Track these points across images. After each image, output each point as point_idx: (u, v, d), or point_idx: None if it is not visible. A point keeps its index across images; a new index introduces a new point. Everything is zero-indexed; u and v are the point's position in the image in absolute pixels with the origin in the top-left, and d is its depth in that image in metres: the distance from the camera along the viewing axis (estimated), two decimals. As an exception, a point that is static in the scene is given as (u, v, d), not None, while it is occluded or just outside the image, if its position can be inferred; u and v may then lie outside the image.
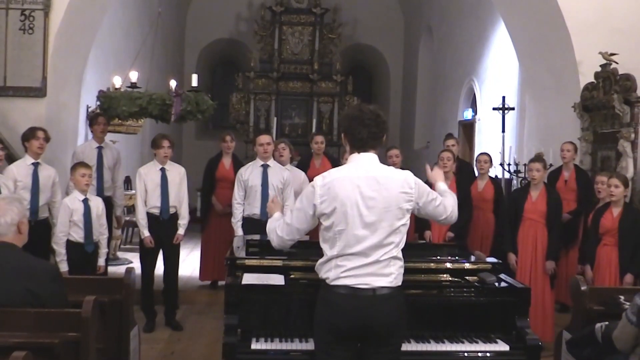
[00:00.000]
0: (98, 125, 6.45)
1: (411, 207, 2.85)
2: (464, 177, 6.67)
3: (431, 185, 3.08)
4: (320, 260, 2.86)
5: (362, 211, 2.74)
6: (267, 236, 3.02)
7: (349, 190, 2.76)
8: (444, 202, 2.97)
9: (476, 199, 6.35)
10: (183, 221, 5.85)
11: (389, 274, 2.78)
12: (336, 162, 6.81)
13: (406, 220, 2.84)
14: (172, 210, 5.77)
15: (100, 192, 6.23)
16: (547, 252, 5.50)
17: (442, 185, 3.17)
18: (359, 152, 2.87)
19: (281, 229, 2.93)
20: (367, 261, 2.74)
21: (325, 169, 2.86)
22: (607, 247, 5.24)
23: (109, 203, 6.41)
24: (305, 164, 7.18)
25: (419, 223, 6.04)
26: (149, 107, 6.66)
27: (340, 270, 2.76)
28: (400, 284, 2.83)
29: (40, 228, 5.24)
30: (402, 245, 2.84)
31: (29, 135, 5.47)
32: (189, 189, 6.05)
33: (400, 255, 2.84)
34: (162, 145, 5.75)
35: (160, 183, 5.72)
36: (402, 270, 2.85)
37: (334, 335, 2.77)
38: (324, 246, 2.84)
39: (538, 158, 5.84)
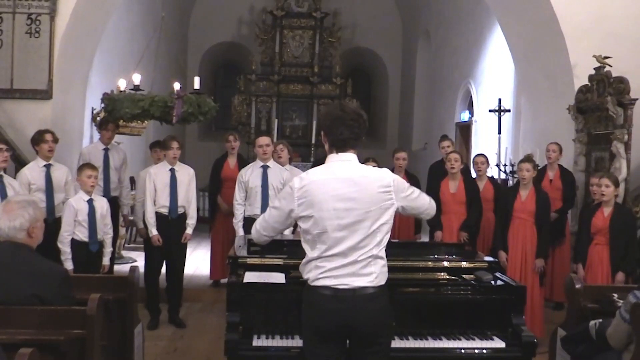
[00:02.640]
0: (107, 131, 6.47)
1: (391, 205, 2.76)
2: (469, 177, 6.67)
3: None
4: (302, 261, 2.81)
5: (340, 213, 2.68)
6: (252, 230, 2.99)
7: (326, 193, 2.70)
8: (422, 195, 2.94)
9: None
10: (191, 221, 5.86)
11: (369, 274, 2.71)
12: None
13: (387, 218, 2.75)
14: (180, 210, 5.79)
15: (107, 193, 6.24)
16: (536, 251, 5.50)
17: None
18: (337, 152, 2.80)
19: (260, 223, 2.92)
20: (346, 261, 2.68)
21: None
22: (598, 246, 5.25)
23: (115, 203, 6.42)
24: (319, 165, 7.16)
25: (430, 223, 6.02)
26: (151, 109, 6.67)
27: (319, 271, 2.71)
28: (383, 283, 2.75)
29: (56, 227, 5.24)
30: (384, 244, 2.76)
31: (38, 139, 5.47)
32: (192, 189, 6.05)
33: (382, 254, 2.76)
34: (171, 147, 5.77)
35: (169, 183, 5.74)
36: (384, 270, 2.77)
37: (318, 335, 2.73)
38: (305, 247, 2.79)
39: (528, 159, 5.86)
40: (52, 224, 5.16)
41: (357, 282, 2.69)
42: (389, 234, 2.80)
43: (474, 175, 6.79)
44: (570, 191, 6.44)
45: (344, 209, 2.69)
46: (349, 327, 2.70)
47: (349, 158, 2.79)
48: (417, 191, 2.92)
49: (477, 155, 6.70)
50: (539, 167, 6.75)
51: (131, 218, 7.55)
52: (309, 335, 2.79)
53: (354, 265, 2.69)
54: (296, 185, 2.76)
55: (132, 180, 8.76)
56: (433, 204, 3.01)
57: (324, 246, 2.71)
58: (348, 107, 2.81)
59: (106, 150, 6.43)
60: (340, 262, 2.69)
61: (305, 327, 2.81)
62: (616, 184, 5.26)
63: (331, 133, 2.79)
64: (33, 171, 5.44)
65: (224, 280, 6.63)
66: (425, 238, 6.85)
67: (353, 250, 2.69)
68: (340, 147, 2.79)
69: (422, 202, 2.94)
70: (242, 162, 6.97)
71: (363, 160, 6.44)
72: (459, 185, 6.02)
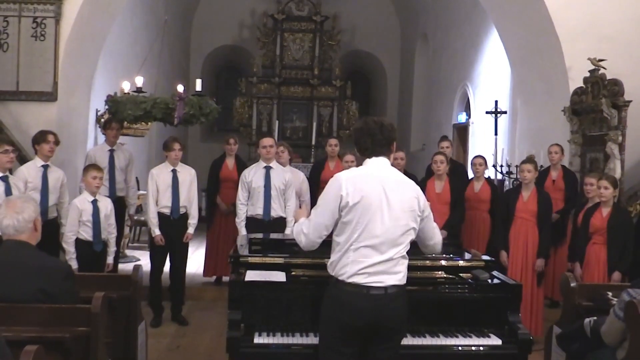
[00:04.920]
0: (112, 130, 6.47)
1: (420, 214, 2.89)
2: (457, 177, 6.68)
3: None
4: (335, 257, 2.83)
5: (384, 207, 2.78)
6: (296, 239, 2.96)
7: (374, 186, 2.80)
8: (437, 230, 3.04)
9: (473, 200, 6.35)
10: (193, 220, 5.85)
11: (398, 272, 2.81)
12: None
13: (416, 225, 2.88)
14: (182, 210, 5.78)
15: (112, 193, 6.24)
16: (537, 251, 5.50)
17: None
18: (370, 157, 2.91)
19: (307, 227, 2.89)
20: (382, 258, 2.76)
21: (339, 171, 2.91)
22: (596, 245, 5.25)
23: (121, 203, 6.42)
24: (320, 165, 7.19)
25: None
26: (153, 111, 6.67)
27: (357, 267, 2.76)
28: (405, 282, 2.86)
29: (49, 227, 5.22)
30: (408, 246, 2.88)
31: (40, 139, 5.46)
32: (194, 189, 6.04)
33: (406, 255, 2.88)
34: (173, 148, 5.77)
35: (171, 184, 5.73)
36: (406, 270, 2.88)
37: (344, 332, 2.77)
38: (340, 239, 2.81)
39: (529, 160, 5.85)
40: (45, 225, 5.14)
41: (388, 281, 2.78)
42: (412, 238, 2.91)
43: (471, 175, 6.80)
44: (572, 192, 6.43)
45: (388, 205, 2.79)
46: (376, 325, 2.77)
47: (382, 161, 2.91)
48: (435, 225, 3.03)
49: (476, 156, 6.69)
50: (541, 168, 6.75)
51: (135, 218, 7.56)
52: (332, 332, 2.81)
53: (388, 262, 2.78)
54: (344, 177, 2.85)
55: (136, 181, 8.78)
56: (440, 244, 3.09)
57: (365, 234, 2.77)
58: (370, 119, 2.98)
59: (112, 151, 6.44)
60: (376, 259, 2.77)
61: (328, 323, 2.83)
62: (615, 185, 5.26)
63: (358, 143, 2.95)
64: (31, 170, 5.43)
65: (226, 279, 6.64)
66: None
67: (389, 247, 2.78)
68: (369, 155, 2.92)
69: (438, 239, 3.04)
70: (241, 163, 6.98)
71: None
72: (444, 185, 6.06)
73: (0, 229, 2.97)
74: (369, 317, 2.75)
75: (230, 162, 6.99)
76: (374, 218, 2.76)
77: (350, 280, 2.76)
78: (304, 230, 2.90)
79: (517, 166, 7.52)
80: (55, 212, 5.53)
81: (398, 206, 2.80)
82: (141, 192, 8.14)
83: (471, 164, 6.69)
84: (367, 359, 2.86)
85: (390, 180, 2.84)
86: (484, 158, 6.63)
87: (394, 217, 2.78)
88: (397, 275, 2.81)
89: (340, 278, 2.79)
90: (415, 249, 3.24)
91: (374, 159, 2.90)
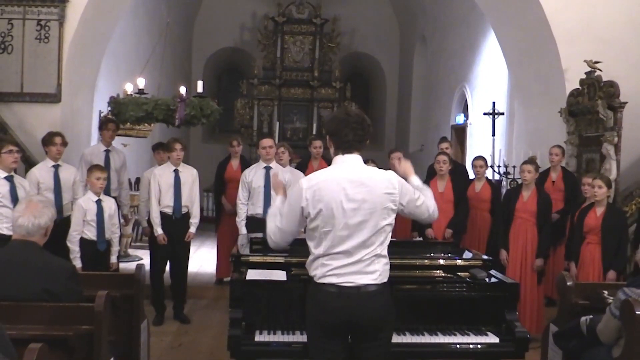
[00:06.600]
0: (107, 130, 6.44)
1: (396, 208, 2.78)
2: (457, 177, 6.68)
3: (405, 179, 2.96)
4: (309, 259, 2.81)
5: (347, 212, 2.68)
6: (268, 236, 2.92)
7: (334, 192, 2.70)
8: (426, 202, 2.90)
9: (474, 200, 6.35)
10: (194, 220, 5.86)
11: (373, 272, 2.72)
12: None
13: (391, 220, 2.78)
14: (184, 210, 5.79)
15: (107, 193, 6.21)
16: (537, 250, 5.50)
17: (415, 180, 3.04)
18: (343, 154, 2.79)
19: (274, 233, 2.85)
20: (351, 260, 2.69)
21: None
22: (590, 245, 5.25)
23: (116, 204, 6.41)
24: (303, 165, 7.21)
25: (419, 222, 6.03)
26: (154, 112, 6.68)
27: (326, 269, 2.71)
28: (385, 280, 2.76)
29: (64, 226, 5.23)
30: (386, 243, 2.78)
31: (48, 141, 5.48)
32: (196, 189, 6.04)
33: (384, 252, 2.77)
34: (174, 149, 5.78)
35: (173, 184, 5.74)
36: (387, 267, 2.78)
37: (323, 330, 2.74)
38: (310, 244, 2.79)
39: (530, 160, 5.86)
40: (60, 223, 5.15)
41: (361, 280, 2.70)
42: (390, 234, 2.81)
43: (472, 176, 6.79)
44: (572, 192, 6.42)
45: (352, 209, 2.69)
46: (352, 323, 2.71)
47: (355, 159, 2.79)
48: (420, 198, 2.89)
49: (477, 158, 6.67)
50: (540, 169, 6.75)
51: (137, 217, 7.56)
52: (314, 331, 2.80)
53: (359, 263, 2.70)
54: (304, 185, 2.75)
55: (138, 181, 8.77)
56: (436, 214, 2.98)
57: (329, 243, 2.70)
58: (352, 111, 2.84)
59: (107, 151, 6.41)
60: (345, 261, 2.70)
61: (310, 322, 2.82)
62: (608, 185, 5.26)
63: (336, 136, 2.79)
64: (42, 171, 5.45)
65: (227, 278, 6.63)
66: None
67: (358, 249, 2.70)
68: (346, 149, 2.79)
69: (424, 210, 2.90)
70: (245, 164, 6.99)
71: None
72: (446, 185, 6.07)
73: (13, 226, 2.99)
74: (344, 316, 2.69)
75: (234, 163, 7.01)
76: (337, 225, 2.68)
77: (321, 280, 2.73)
78: (272, 237, 2.85)
79: (514, 167, 7.53)
80: (70, 210, 5.53)
81: (366, 207, 2.69)
82: (133, 192, 8.12)
83: (472, 165, 6.69)
84: (356, 358, 2.81)
85: (358, 182, 2.71)
86: (484, 159, 6.63)
87: (361, 221, 2.68)
88: (372, 275, 2.71)
89: (314, 279, 2.77)
90: (415, 249, 3.24)
91: (347, 156, 2.77)
